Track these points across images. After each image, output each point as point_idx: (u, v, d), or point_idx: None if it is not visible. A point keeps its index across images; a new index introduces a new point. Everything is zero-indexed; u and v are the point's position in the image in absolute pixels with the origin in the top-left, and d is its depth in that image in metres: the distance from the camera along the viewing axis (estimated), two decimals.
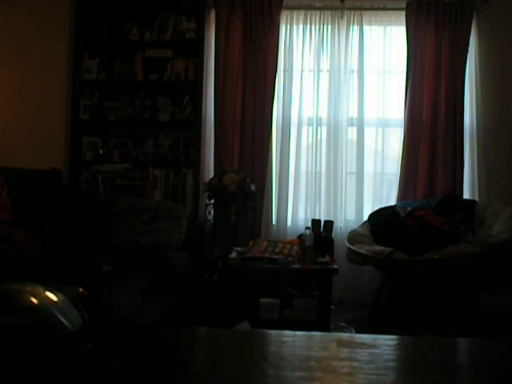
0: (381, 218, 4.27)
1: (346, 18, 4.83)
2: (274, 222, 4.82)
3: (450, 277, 3.76)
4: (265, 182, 4.75)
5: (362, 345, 1.08)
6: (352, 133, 4.87)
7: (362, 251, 3.92)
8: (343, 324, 3.97)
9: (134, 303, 2.94)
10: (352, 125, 4.85)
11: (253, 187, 4.43)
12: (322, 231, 4.22)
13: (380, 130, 4.91)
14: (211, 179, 4.46)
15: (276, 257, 3.64)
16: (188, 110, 4.75)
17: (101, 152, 4.81)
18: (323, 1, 4.84)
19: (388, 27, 4.89)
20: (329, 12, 4.85)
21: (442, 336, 3.51)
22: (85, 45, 4.77)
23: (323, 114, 4.86)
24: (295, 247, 3.77)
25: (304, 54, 4.87)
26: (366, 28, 4.84)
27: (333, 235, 4.29)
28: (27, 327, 0.87)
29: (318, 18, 4.86)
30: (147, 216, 4.08)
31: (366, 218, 4.55)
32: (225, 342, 1.11)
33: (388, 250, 3.78)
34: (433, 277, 3.73)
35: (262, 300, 3.63)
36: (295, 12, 4.87)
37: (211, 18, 4.84)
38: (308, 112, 4.88)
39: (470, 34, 4.71)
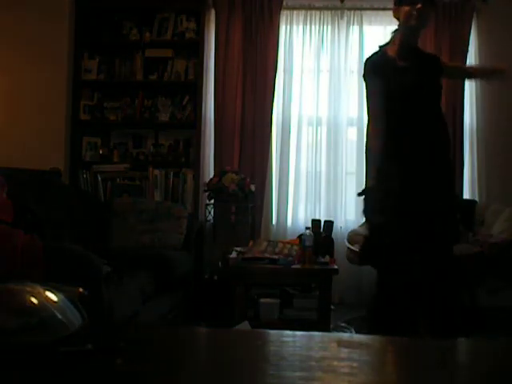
0: None
1: (345, 18, 4.83)
2: (273, 222, 4.82)
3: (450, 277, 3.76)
4: (265, 182, 4.75)
5: (361, 345, 1.08)
6: (352, 133, 4.87)
7: None
8: (343, 324, 3.96)
9: (133, 303, 2.94)
10: (352, 125, 4.85)
11: (253, 187, 4.43)
12: (322, 231, 4.22)
13: None
14: (211, 179, 4.46)
15: (276, 257, 3.64)
16: (188, 109, 4.75)
17: (101, 152, 4.81)
18: (323, 1, 4.84)
19: (388, 27, 4.87)
20: (329, 12, 4.85)
21: (441, 336, 3.51)
22: (85, 45, 4.77)
23: (323, 113, 4.86)
24: (295, 247, 3.77)
25: (304, 54, 4.87)
26: (365, 28, 4.84)
27: (333, 235, 4.28)
28: (27, 327, 0.87)
29: (317, 18, 4.86)
30: (147, 216, 4.08)
31: None
32: (225, 342, 1.11)
33: None
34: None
35: (262, 300, 3.63)
36: (295, 12, 4.87)
37: (211, 18, 4.84)
38: (308, 112, 4.88)
39: (469, 34, 4.71)
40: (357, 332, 3.74)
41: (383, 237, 2.72)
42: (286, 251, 3.72)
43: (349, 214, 4.84)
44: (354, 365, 0.97)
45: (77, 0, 4.69)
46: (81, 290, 1.03)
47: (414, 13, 2.68)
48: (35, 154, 4.41)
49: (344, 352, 1.04)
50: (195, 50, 4.69)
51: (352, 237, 4.26)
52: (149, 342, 1.06)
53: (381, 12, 4.81)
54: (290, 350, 1.06)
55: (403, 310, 2.67)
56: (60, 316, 0.91)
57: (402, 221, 2.66)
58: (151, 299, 3.23)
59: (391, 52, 2.79)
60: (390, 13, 4.89)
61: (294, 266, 3.60)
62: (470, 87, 4.77)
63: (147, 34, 4.75)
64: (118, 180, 4.71)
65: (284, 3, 4.78)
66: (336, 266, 3.68)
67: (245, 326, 3.02)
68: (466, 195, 4.71)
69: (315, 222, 4.25)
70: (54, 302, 0.94)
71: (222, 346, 1.09)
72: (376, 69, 2.79)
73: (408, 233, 2.65)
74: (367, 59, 2.90)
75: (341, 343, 1.08)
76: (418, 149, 2.71)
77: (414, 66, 2.76)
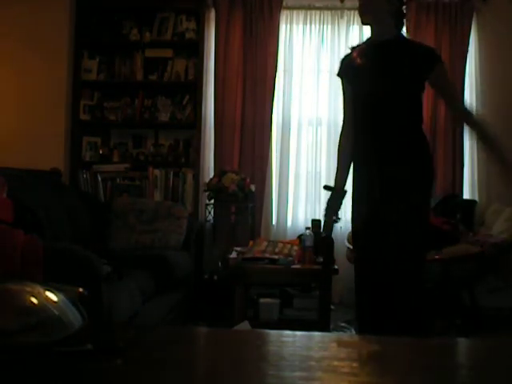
0: None
1: (345, 18, 4.83)
2: (273, 222, 4.82)
3: (450, 277, 3.76)
4: (265, 182, 4.75)
5: (361, 345, 1.08)
6: None
7: None
8: (343, 324, 3.97)
9: (133, 303, 2.94)
10: None
11: (253, 187, 4.43)
12: (322, 231, 4.21)
13: None
14: (211, 179, 4.46)
15: (276, 257, 3.64)
16: (188, 110, 4.75)
17: (101, 152, 4.81)
18: (323, 1, 4.84)
19: None
20: (329, 12, 4.86)
21: (442, 336, 3.51)
22: (85, 45, 4.77)
23: (323, 114, 4.86)
24: (295, 247, 3.77)
25: (304, 54, 4.87)
26: (365, 28, 4.83)
27: (333, 235, 4.28)
28: (27, 327, 0.87)
29: (317, 18, 4.86)
30: (147, 216, 4.08)
31: None
32: (225, 342, 1.11)
33: None
34: (433, 277, 3.73)
35: (262, 300, 3.63)
36: (295, 12, 4.87)
37: (211, 18, 4.84)
38: (308, 112, 4.88)
39: (469, 34, 4.71)
40: (357, 332, 3.74)
41: (356, 239, 2.71)
42: (285, 251, 3.72)
43: (349, 214, 4.81)
44: (354, 365, 0.97)
45: (77, 0, 4.69)
46: (81, 290, 1.03)
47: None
48: (35, 154, 4.41)
49: (344, 352, 1.04)
50: (195, 50, 4.69)
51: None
52: (149, 342, 1.06)
53: None
54: (290, 349, 1.06)
55: (380, 310, 2.61)
56: (60, 316, 0.91)
57: (370, 226, 2.63)
58: (151, 299, 3.23)
59: (357, 51, 2.64)
60: None
61: (293, 266, 3.60)
62: (469, 86, 4.77)
63: (147, 34, 4.75)
64: (117, 180, 4.71)
65: (284, 3, 4.78)
66: (336, 266, 3.68)
67: (245, 325, 3.02)
68: (466, 195, 4.71)
69: (315, 222, 4.25)
70: (54, 301, 0.93)
71: (222, 346, 1.09)
72: (341, 68, 2.70)
73: (376, 237, 2.63)
74: (341, 59, 2.78)
75: (341, 343, 1.08)
76: (373, 160, 2.59)
77: (375, 66, 2.54)
